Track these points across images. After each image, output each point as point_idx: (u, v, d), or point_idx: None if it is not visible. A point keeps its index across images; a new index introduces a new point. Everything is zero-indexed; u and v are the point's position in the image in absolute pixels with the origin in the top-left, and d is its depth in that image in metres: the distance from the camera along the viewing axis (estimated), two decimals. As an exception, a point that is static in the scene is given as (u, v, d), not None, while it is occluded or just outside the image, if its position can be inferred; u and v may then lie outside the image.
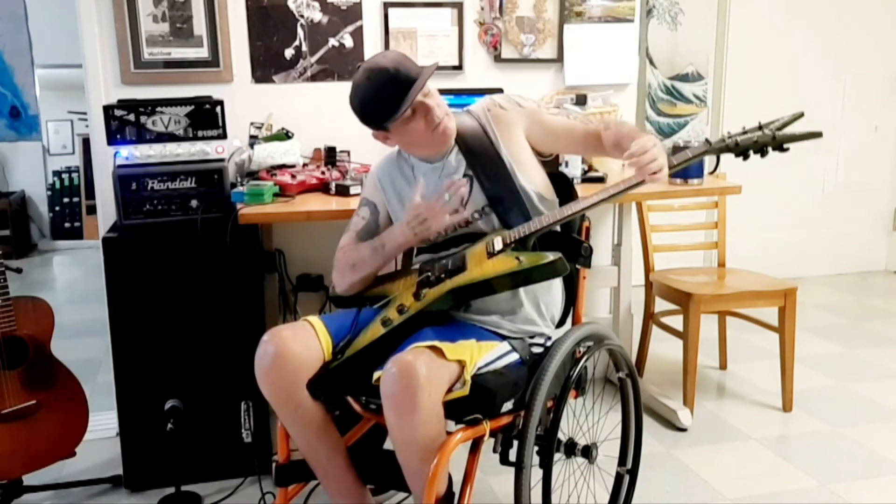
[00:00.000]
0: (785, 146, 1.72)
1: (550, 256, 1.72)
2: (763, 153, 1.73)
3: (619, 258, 3.00)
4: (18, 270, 2.47)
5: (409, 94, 1.75)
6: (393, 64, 1.78)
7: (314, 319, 1.86)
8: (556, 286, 1.98)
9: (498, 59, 2.98)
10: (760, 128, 1.74)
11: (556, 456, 1.85)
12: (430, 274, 1.84)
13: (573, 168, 2.64)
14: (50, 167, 6.14)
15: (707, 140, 1.76)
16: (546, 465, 1.78)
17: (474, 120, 1.94)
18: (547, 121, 1.95)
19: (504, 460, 1.77)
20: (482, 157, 1.89)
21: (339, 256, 1.97)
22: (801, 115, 1.75)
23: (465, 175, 1.89)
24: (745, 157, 1.74)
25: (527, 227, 1.79)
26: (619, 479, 2.17)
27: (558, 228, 1.95)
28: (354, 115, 1.85)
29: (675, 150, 2.84)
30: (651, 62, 4.25)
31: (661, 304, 3.05)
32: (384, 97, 1.77)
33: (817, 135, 1.71)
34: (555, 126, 1.95)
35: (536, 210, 1.87)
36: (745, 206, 3.75)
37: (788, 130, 1.73)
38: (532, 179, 1.90)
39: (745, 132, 1.74)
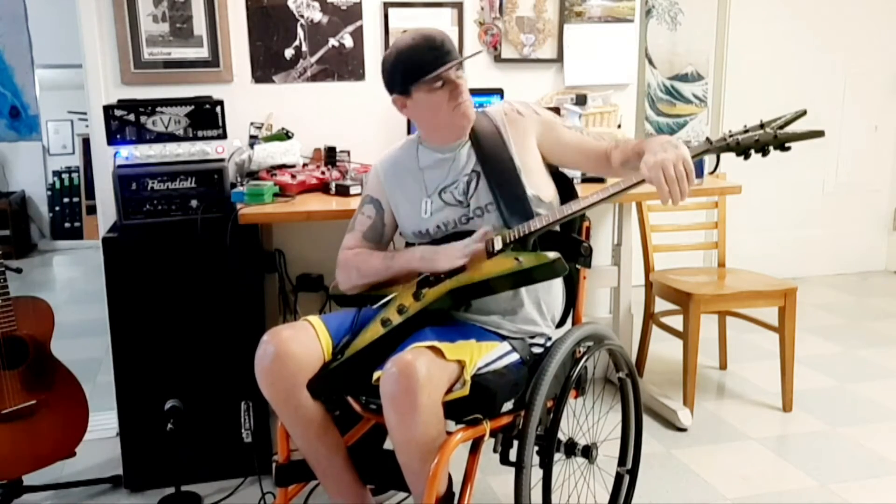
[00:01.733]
0: (787, 145, 1.71)
1: (549, 256, 1.72)
2: (765, 152, 1.72)
3: (619, 258, 3.00)
4: (18, 270, 2.47)
5: (450, 58, 1.80)
6: (441, 35, 1.83)
7: (314, 319, 1.86)
8: (557, 286, 1.98)
9: (498, 59, 2.98)
10: (762, 126, 1.72)
11: (556, 456, 1.85)
12: (429, 274, 1.84)
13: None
14: (50, 167, 6.14)
15: (708, 139, 1.75)
16: (546, 465, 1.78)
17: (490, 121, 1.95)
18: (561, 133, 1.96)
19: (504, 460, 1.77)
20: (492, 157, 1.89)
21: (349, 257, 1.97)
22: (804, 112, 1.73)
23: (472, 171, 1.89)
24: (747, 156, 1.73)
25: (526, 227, 1.78)
26: (619, 479, 2.17)
27: (558, 228, 1.95)
28: (382, 75, 1.88)
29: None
30: (650, 62, 4.25)
31: (661, 304, 3.05)
32: (424, 55, 1.80)
33: (819, 133, 1.69)
34: (568, 140, 1.95)
35: (538, 213, 1.87)
36: (745, 206, 3.75)
37: (790, 129, 1.71)
38: (538, 185, 1.90)
39: (746, 131, 1.73)
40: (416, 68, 1.80)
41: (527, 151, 1.92)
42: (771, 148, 1.70)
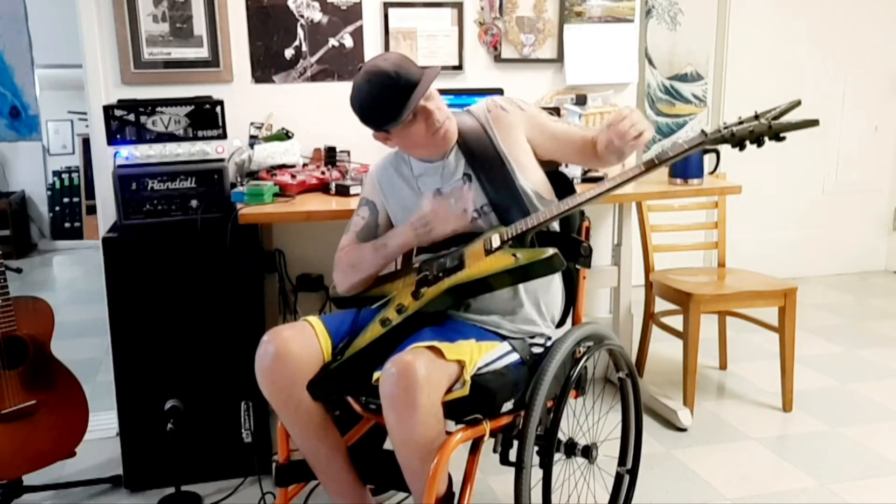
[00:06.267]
0: (781, 135, 1.70)
1: (547, 252, 1.71)
2: (759, 143, 1.71)
3: (619, 258, 3.00)
4: (18, 270, 2.47)
5: (411, 101, 1.75)
6: (394, 67, 1.77)
7: (314, 320, 1.86)
8: (556, 286, 1.98)
9: (498, 59, 2.98)
10: (756, 117, 1.71)
11: (556, 456, 1.85)
12: (428, 273, 1.84)
13: (573, 168, 2.63)
14: (50, 167, 6.14)
15: (703, 131, 1.74)
16: (546, 465, 1.78)
17: (475, 120, 1.94)
18: (547, 126, 1.95)
19: (504, 460, 1.78)
20: (482, 157, 1.89)
21: (341, 256, 1.97)
22: (798, 103, 1.72)
23: (464, 174, 1.89)
24: (742, 147, 1.72)
25: (524, 224, 1.78)
26: (619, 479, 2.17)
27: (557, 228, 1.95)
28: (355, 115, 1.85)
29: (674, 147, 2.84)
30: (650, 62, 4.25)
31: (661, 304, 3.05)
32: (385, 102, 1.76)
33: (814, 122, 1.68)
34: (555, 131, 1.95)
35: (535, 210, 1.87)
36: (745, 206, 3.75)
37: (785, 119, 1.71)
38: (531, 180, 1.90)
39: (741, 122, 1.72)
40: (383, 115, 1.78)
41: (516, 147, 1.91)
42: (766, 139, 1.69)
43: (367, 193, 2.02)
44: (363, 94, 1.79)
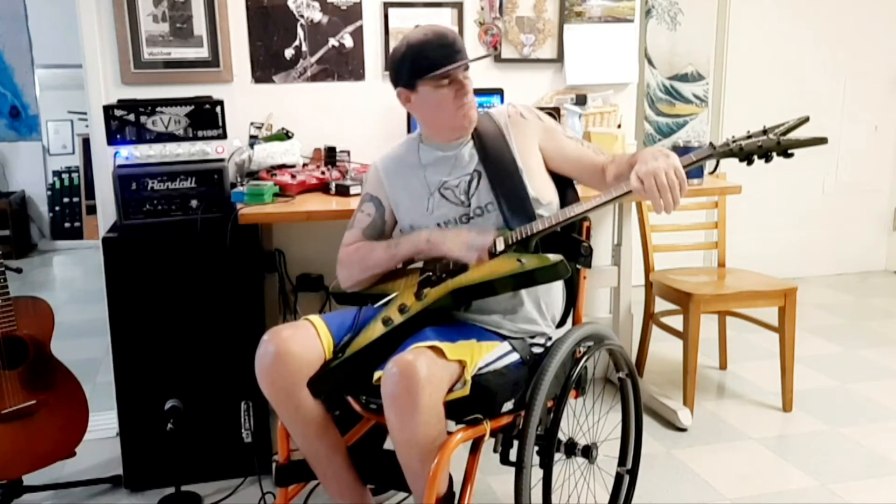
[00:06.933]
0: (790, 152, 1.72)
1: (552, 259, 1.72)
2: (768, 158, 1.72)
3: (619, 258, 3.00)
4: (18, 270, 2.47)
5: (458, 59, 1.82)
6: (453, 34, 1.87)
7: (315, 318, 1.86)
8: (557, 286, 1.98)
9: (498, 59, 2.98)
10: (765, 132, 1.72)
11: (556, 456, 1.85)
12: (431, 273, 1.84)
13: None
14: (50, 167, 6.13)
15: (711, 144, 1.75)
16: (546, 465, 1.78)
17: (493, 121, 1.96)
18: (562, 142, 1.97)
19: (504, 460, 1.78)
20: (495, 157, 1.90)
21: (349, 252, 1.97)
22: (807, 119, 1.74)
23: (474, 170, 1.90)
24: (750, 162, 1.74)
25: (529, 228, 1.79)
26: (619, 479, 2.17)
27: (558, 228, 1.95)
28: (390, 67, 1.90)
29: (675, 150, 2.84)
30: (650, 62, 4.25)
31: (661, 304, 3.05)
32: (434, 52, 1.81)
33: (822, 140, 1.71)
34: (568, 149, 1.97)
35: (538, 214, 1.87)
36: (745, 206, 3.75)
37: (793, 135, 1.72)
38: (539, 188, 1.91)
39: (749, 136, 1.73)
40: (424, 63, 1.81)
41: (529, 153, 1.93)
42: (774, 154, 1.71)
43: (370, 189, 2.02)
44: (414, 41, 1.84)
